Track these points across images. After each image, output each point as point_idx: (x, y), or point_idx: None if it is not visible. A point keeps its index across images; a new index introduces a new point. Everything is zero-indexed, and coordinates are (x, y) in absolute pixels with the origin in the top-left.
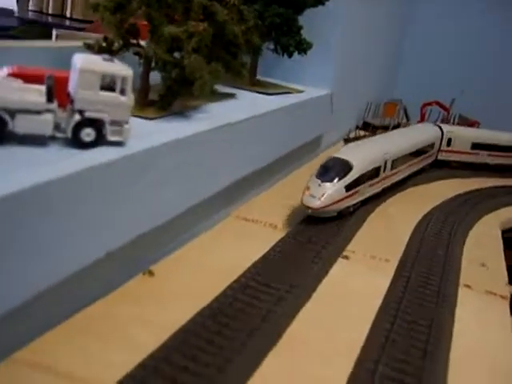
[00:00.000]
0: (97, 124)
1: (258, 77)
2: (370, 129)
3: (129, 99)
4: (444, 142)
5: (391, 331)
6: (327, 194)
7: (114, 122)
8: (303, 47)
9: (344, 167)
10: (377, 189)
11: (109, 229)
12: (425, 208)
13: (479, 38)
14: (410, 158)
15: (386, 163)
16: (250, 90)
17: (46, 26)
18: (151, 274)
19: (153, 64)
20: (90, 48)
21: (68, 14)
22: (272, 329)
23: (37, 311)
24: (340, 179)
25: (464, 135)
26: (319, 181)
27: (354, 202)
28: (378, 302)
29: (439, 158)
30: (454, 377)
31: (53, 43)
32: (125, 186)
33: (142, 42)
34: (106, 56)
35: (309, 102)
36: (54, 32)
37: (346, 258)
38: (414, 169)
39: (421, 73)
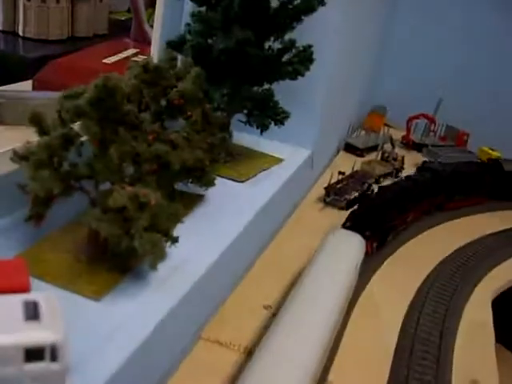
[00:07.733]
0: None
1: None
2: (354, 153)
3: (62, 365)
4: None
5: None
6: None
7: None
8: (280, 118)
9: None
10: None
11: None
12: None
13: (467, 39)
14: None
15: None
16: (222, 176)
17: None
18: None
19: None
20: (23, 191)
21: (21, 32)
22: None
23: None
24: None
25: None
26: None
27: None
28: None
29: None
30: None
31: None
32: None
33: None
34: (30, 309)
35: (290, 178)
36: None
37: None
38: None
39: (404, 80)
